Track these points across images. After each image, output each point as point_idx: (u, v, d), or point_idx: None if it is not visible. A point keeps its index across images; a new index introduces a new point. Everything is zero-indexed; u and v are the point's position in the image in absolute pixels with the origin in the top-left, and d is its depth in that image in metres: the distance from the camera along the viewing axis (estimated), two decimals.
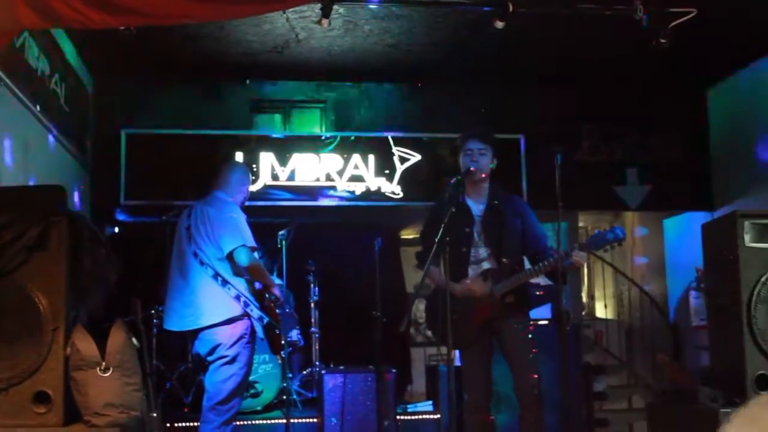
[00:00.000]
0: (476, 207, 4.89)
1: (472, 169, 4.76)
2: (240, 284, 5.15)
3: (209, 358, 5.16)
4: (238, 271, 5.14)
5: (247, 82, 8.41)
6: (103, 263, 3.78)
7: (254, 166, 7.87)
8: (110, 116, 7.88)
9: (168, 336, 6.96)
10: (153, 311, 6.77)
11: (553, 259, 4.56)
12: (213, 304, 5.09)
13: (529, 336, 4.79)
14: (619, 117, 8.73)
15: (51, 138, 6.38)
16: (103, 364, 3.44)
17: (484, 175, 4.84)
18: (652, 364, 9.39)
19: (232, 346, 5.08)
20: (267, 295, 5.36)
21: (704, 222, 4.39)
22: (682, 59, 7.44)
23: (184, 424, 6.41)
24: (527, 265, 4.88)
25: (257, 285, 5.31)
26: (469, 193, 4.90)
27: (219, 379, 5.11)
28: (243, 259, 5.07)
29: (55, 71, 6.31)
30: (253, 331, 5.20)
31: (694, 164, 8.81)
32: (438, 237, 4.33)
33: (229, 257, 5.11)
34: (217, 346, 5.09)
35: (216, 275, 5.10)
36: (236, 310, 5.10)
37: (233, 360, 5.10)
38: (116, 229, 8.24)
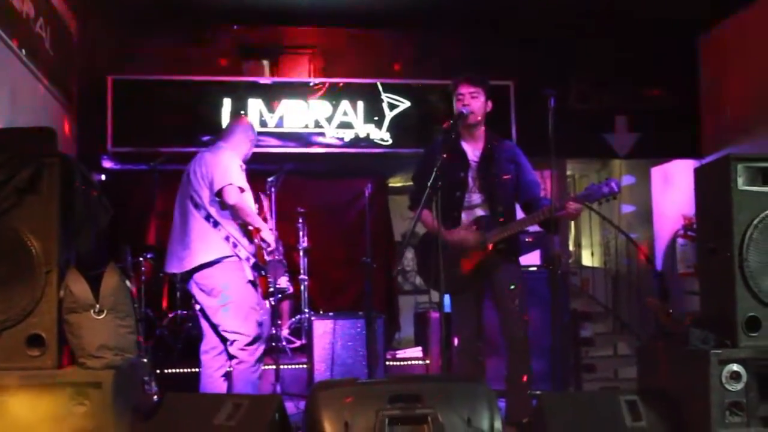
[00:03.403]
0: (472, 152, 4.85)
1: (464, 112, 4.73)
2: (231, 225, 5.13)
3: (217, 302, 5.11)
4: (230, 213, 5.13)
5: (235, 27, 8.31)
6: (95, 205, 3.74)
7: (242, 112, 7.82)
8: (96, 62, 7.74)
9: (156, 284, 7.00)
10: (141, 258, 6.76)
11: (547, 208, 4.53)
12: (204, 245, 5.08)
13: (515, 285, 4.78)
14: (608, 64, 8.70)
15: (37, 83, 6.29)
16: (97, 306, 3.41)
17: (477, 119, 4.79)
18: (638, 311, 9.48)
19: (231, 288, 5.08)
20: (257, 240, 5.34)
21: (696, 166, 4.37)
22: (672, 5, 7.40)
23: (174, 371, 6.46)
24: (520, 214, 4.87)
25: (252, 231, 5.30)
26: (464, 138, 4.86)
27: (232, 321, 5.09)
28: (230, 197, 5.03)
29: (40, 14, 6.21)
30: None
31: (684, 112, 8.81)
32: (430, 181, 4.27)
33: (219, 196, 5.08)
34: (214, 289, 5.08)
35: (208, 216, 5.10)
36: (225, 250, 5.08)
37: (237, 301, 5.09)
38: (103, 177, 8.19)
